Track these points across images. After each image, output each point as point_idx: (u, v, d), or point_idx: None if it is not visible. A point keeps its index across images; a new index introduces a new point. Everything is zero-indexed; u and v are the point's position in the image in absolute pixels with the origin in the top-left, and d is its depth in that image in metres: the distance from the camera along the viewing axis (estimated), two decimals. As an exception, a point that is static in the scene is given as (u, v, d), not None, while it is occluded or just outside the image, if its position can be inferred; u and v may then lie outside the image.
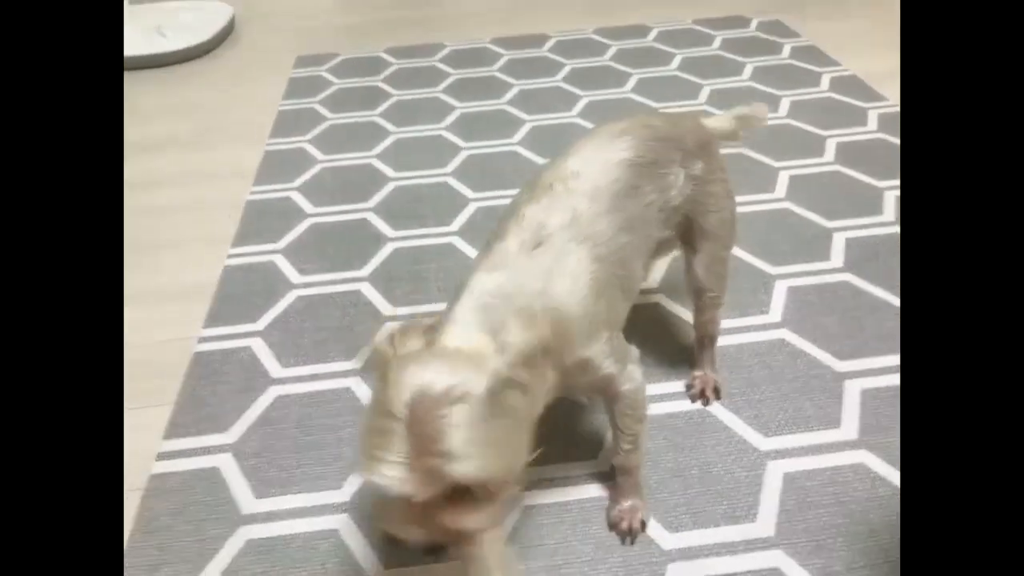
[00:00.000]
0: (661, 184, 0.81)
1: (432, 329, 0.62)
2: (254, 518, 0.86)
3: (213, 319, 1.16)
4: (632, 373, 0.76)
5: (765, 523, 0.82)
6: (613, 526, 0.83)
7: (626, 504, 0.82)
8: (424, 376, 0.55)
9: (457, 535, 0.56)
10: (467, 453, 0.53)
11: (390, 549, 0.66)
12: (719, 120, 0.96)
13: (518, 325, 0.60)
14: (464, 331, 0.61)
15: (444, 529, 0.56)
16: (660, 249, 0.90)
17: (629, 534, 0.81)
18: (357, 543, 0.82)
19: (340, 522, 0.84)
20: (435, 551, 0.57)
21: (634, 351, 0.79)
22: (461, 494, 0.55)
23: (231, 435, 0.96)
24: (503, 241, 0.72)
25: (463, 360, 0.57)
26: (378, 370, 0.60)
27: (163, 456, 0.94)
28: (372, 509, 0.59)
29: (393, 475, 0.53)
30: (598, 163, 0.78)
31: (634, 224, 0.77)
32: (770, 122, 1.64)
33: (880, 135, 1.57)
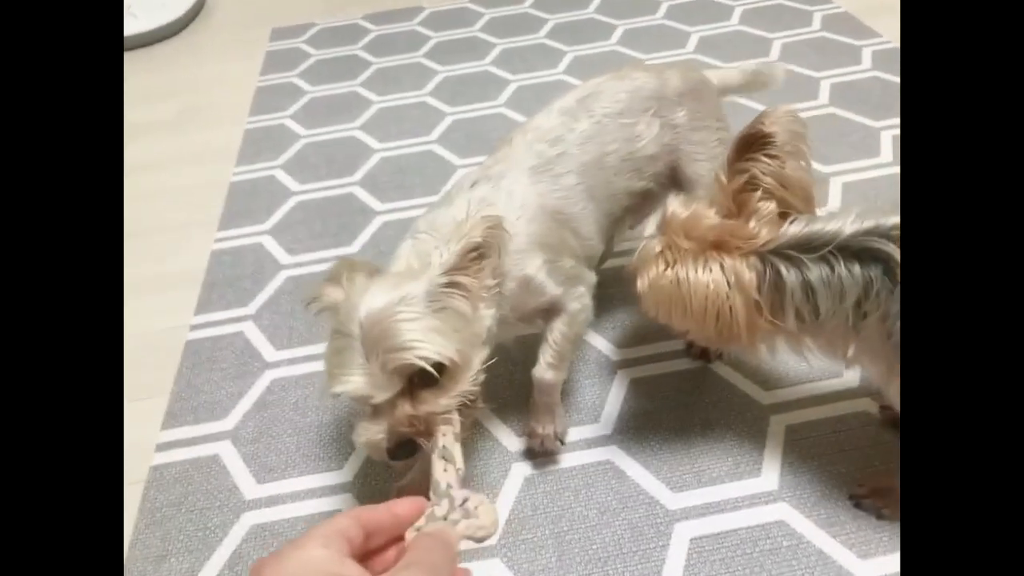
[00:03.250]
0: (627, 134, 0.83)
1: (376, 268, 0.69)
2: (257, 503, 0.85)
3: (203, 305, 1.15)
4: (582, 296, 0.79)
5: (769, 477, 0.81)
6: (527, 450, 0.85)
7: (539, 429, 0.82)
8: (372, 297, 0.62)
9: (420, 422, 0.61)
10: (416, 340, 0.59)
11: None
12: (727, 72, 0.98)
13: (452, 236, 0.66)
14: (402, 261, 0.70)
15: (408, 419, 0.61)
16: (647, 202, 0.89)
17: (544, 454, 0.83)
18: (361, 522, 0.82)
19: (344, 502, 0.84)
20: (405, 451, 0.61)
21: (590, 278, 0.81)
22: (420, 388, 0.62)
23: (229, 422, 0.95)
24: (446, 188, 0.80)
25: (403, 277, 0.65)
26: (331, 306, 0.68)
27: (162, 447, 0.93)
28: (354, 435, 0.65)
29: (355, 380, 0.59)
30: (559, 116, 0.83)
31: (587, 171, 0.80)
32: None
33: (875, 73, 1.53)
